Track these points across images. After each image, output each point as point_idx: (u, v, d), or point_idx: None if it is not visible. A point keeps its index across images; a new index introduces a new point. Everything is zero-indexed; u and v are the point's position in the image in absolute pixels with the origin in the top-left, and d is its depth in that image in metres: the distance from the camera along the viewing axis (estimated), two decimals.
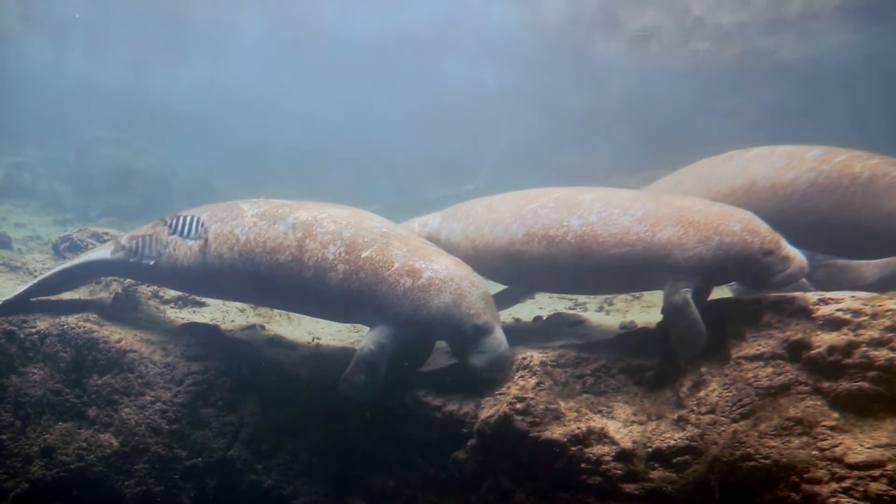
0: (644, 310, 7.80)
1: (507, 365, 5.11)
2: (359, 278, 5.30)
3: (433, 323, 5.14)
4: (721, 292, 8.38)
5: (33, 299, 6.57)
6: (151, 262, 6.05)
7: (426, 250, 5.44)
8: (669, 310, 5.03)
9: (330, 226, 5.53)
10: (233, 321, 6.98)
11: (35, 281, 6.66)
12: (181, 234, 5.72)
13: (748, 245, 5.01)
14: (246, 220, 5.76)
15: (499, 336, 5.12)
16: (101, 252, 6.57)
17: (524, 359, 5.13)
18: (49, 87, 29.24)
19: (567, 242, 5.31)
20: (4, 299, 6.45)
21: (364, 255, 5.34)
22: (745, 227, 5.07)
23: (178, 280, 6.22)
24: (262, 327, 6.77)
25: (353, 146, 27.68)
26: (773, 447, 4.16)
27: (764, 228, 5.10)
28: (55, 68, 28.97)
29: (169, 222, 5.69)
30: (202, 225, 5.72)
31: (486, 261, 5.80)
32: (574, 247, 5.28)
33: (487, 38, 21.89)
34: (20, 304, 6.45)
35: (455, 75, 26.32)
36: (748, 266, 5.04)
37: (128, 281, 7.40)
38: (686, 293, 4.98)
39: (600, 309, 7.98)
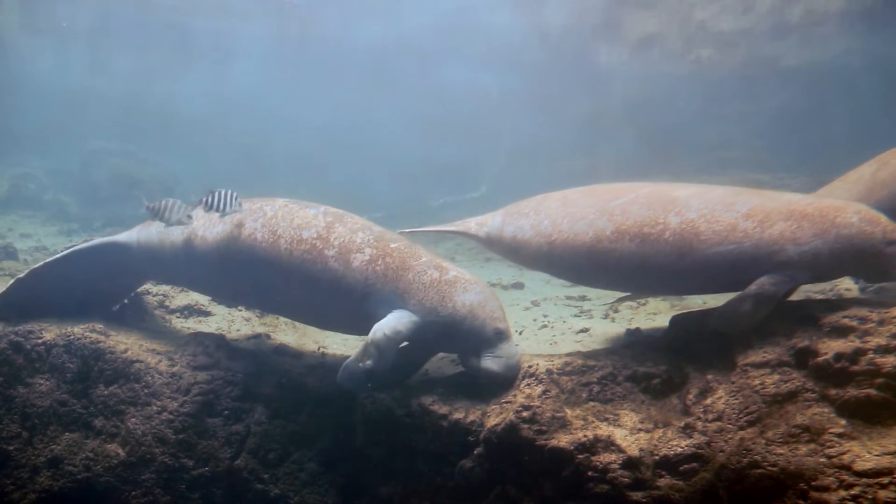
0: (650, 317, 7.80)
1: (518, 374, 5.12)
2: (385, 262, 5.31)
3: (455, 318, 5.13)
4: (725, 298, 8.38)
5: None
6: (171, 227, 5.88)
7: (446, 260, 5.57)
8: (756, 295, 4.83)
9: (360, 220, 5.66)
10: (238, 330, 6.99)
11: (49, 259, 6.51)
12: (217, 209, 5.55)
13: (869, 236, 4.83)
14: (277, 203, 5.76)
15: (513, 345, 5.19)
16: (118, 236, 6.49)
17: (530, 367, 5.13)
18: (53, 97, 29.35)
19: (664, 240, 5.08)
20: (15, 278, 6.43)
21: (393, 245, 5.43)
22: (864, 217, 4.90)
23: (193, 258, 5.93)
24: (268, 336, 6.78)
25: (356, 154, 27.72)
26: (781, 455, 4.15)
27: (884, 218, 4.94)
28: (59, 78, 29.09)
29: (204, 200, 5.55)
30: (237, 199, 5.57)
31: (564, 258, 5.58)
32: (672, 245, 5.06)
33: (491, 44, 21.94)
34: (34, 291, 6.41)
35: (458, 82, 26.37)
36: (869, 258, 4.85)
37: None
38: (784, 287, 4.84)
39: (606, 316, 7.98)
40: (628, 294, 7.17)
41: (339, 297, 5.40)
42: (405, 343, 5.37)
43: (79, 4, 22.10)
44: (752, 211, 4.99)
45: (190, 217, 5.73)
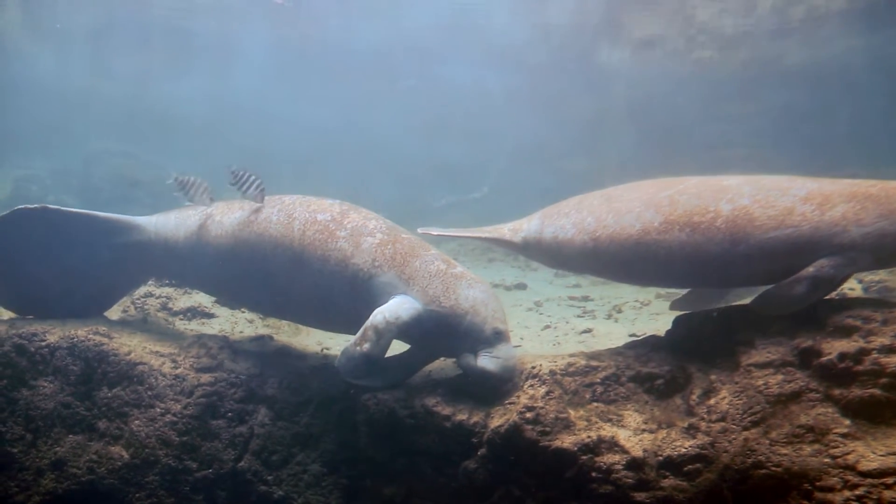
0: (652, 317, 7.80)
1: (515, 376, 5.11)
2: (394, 247, 5.39)
3: (457, 311, 5.12)
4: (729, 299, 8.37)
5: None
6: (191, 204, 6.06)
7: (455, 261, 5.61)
8: (813, 277, 4.72)
9: (374, 214, 5.80)
10: (241, 332, 6.99)
11: (72, 209, 6.47)
12: (241, 188, 5.72)
13: None
14: (296, 196, 5.92)
15: (511, 348, 5.18)
16: (137, 217, 6.50)
17: (533, 368, 5.13)
18: (55, 99, 29.40)
19: (716, 228, 4.97)
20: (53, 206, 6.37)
21: (404, 235, 5.55)
22: None
23: (204, 246, 6.00)
24: (271, 338, 6.78)
25: (356, 155, 27.74)
26: (785, 455, 4.15)
27: None
28: (61, 80, 29.13)
29: (235, 173, 5.72)
30: (262, 190, 5.76)
31: (610, 253, 5.45)
32: (724, 232, 4.94)
33: (492, 45, 21.94)
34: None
35: (460, 82, 26.38)
36: None
37: (138, 293, 7.44)
38: (844, 270, 4.74)
39: (609, 317, 7.98)
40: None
41: (346, 278, 5.41)
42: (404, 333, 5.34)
43: (80, 6, 22.13)
44: (811, 194, 4.88)
45: (211, 200, 5.92)
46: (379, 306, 5.23)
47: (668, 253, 5.14)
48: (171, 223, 6.32)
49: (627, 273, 5.76)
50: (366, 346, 5.09)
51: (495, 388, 5.10)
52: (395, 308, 5.13)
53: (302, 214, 5.64)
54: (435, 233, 6.69)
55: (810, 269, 4.74)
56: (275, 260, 5.67)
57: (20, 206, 6.32)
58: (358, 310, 5.41)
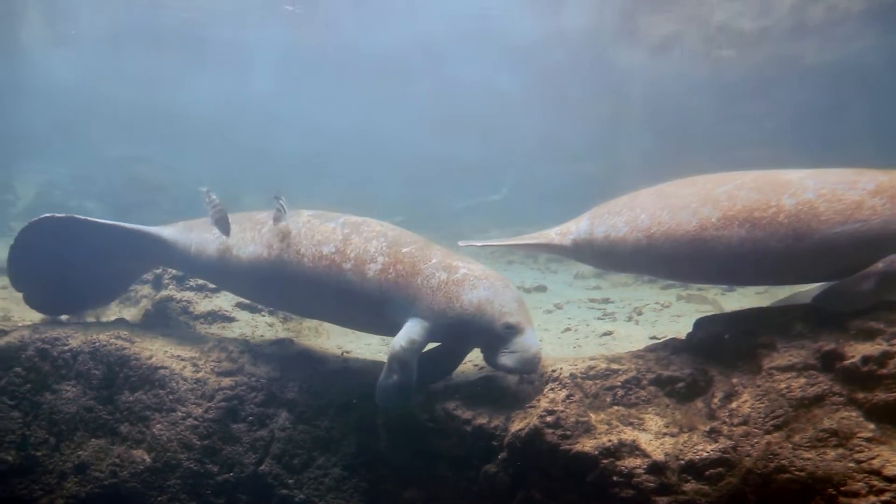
0: (673, 319, 7.76)
1: (537, 366, 5.08)
2: (396, 269, 5.40)
3: (464, 317, 5.15)
4: (749, 301, 8.32)
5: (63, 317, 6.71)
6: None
7: (465, 257, 5.58)
8: (883, 273, 4.57)
9: (376, 227, 5.77)
10: (262, 336, 7.02)
11: (98, 220, 6.61)
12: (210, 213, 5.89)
13: None
14: (301, 219, 5.95)
15: (529, 338, 5.09)
16: (163, 231, 6.67)
17: (554, 371, 5.12)
18: (76, 105, 29.67)
19: (778, 223, 4.82)
20: (64, 215, 6.49)
21: (405, 250, 5.52)
22: None
23: (226, 271, 6.23)
24: (292, 341, 6.80)
25: (374, 158, 27.80)
26: (809, 459, 4.11)
27: None
28: (81, 86, 29.40)
29: (212, 201, 5.85)
30: (223, 218, 5.88)
31: (665, 250, 5.32)
32: (787, 227, 4.79)
33: (509, 47, 21.92)
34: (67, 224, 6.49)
35: (476, 84, 26.37)
36: None
37: (158, 296, 7.49)
38: None
39: (629, 319, 7.95)
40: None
41: (360, 304, 5.62)
42: (433, 345, 5.45)
43: (99, 13, 22.35)
44: (880, 187, 4.72)
45: (228, 232, 5.97)
46: (397, 324, 5.40)
47: (726, 249, 5.01)
48: (192, 248, 6.45)
49: (683, 270, 5.66)
50: (394, 377, 5.21)
51: (521, 389, 5.15)
52: (407, 334, 5.24)
53: (308, 250, 5.72)
54: (479, 244, 6.69)
55: (879, 266, 4.60)
56: (295, 290, 5.92)
57: (47, 215, 6.44)
58: (378, 322, 5.71)
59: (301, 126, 32.53)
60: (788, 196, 4.85)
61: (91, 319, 7.06)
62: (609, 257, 5.87)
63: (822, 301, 4.84)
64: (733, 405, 4.61)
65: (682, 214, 5.21)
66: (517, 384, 5.34)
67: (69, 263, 6.70)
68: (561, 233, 6.16)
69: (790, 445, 4.21)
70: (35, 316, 7.00)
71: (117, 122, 28.29)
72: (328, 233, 5.74)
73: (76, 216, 6.50)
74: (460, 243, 6.79)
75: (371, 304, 5.55)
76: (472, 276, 5.30)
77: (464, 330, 5.23)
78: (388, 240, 5.61)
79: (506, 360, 5.04)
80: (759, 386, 4.59)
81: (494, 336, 5.10)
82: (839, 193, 4.75)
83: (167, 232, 6.67)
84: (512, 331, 5.08)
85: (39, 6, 22.12)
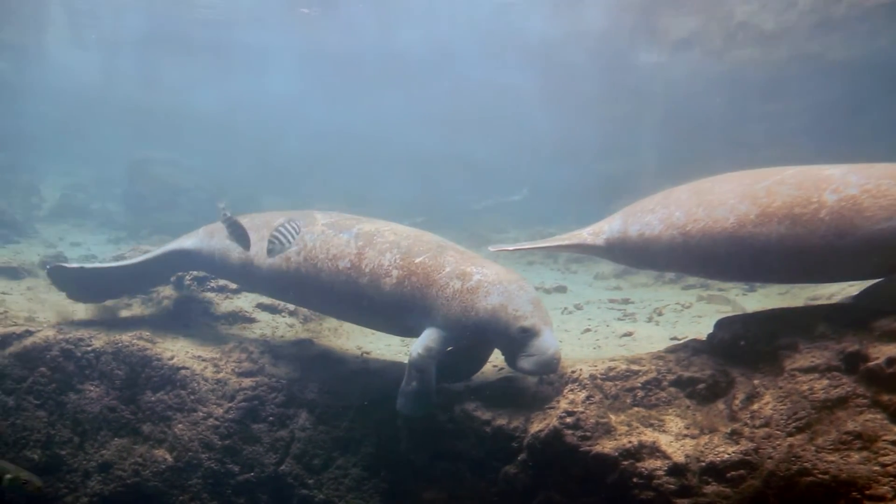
0: (694, 320, 7.71)
1: (556, 367, 5.05)
2: (411, 282, 5.41)
3: (480, 324, 5.14)
4: (771, 301, 8.25)
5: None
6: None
7: (480, 259, 5.54)
8: None
9: (390, 236, 5.75)
10: (282, 336, 7.06)
11: (121, 263, 7.16)
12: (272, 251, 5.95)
13: None
14: (316, 228, 6.00)
15: (547, 339, 5.04)
16: (185, 242, 6.92)
17: (573, 372, 5.10)
18: (99, 109, 29.99)
19: (819, 220, 4.67)
20: (90, 265, 7.05)
21: (418, 260, 5.49)
22: None
23: (249, 278, 6.44)
24: (311, 342, 6.83)
25: (393, 159, 27.86)
26: (832, 462, 4.06)
27: None
28: (105, 90, 29.69)
29: (225, 215, 5.95)
30: (241, 234, 5.95)
31: (701, 247, 5.21)
32: (829, 224, 4.64)
33: (528, 47, 21.87)
34: (96, 283, 7.14)
35: (496, 84, 26.33)
36: None
37: (180, 297, 7.54)
38: None
39: (650, 320, 7.91)
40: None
41: (378, 314, 5.74)
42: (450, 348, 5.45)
43: (123, 19, 22.58)
44: None
45: (248, 247, 6.03)
46: (416, 329, 5.46)
47: (764, 246, 4.88)
48: (216, 256, 6.62)
49: (720, 268, 5.50)
50: (413, 384, 5.25)
51: (540, 391, 5.15)
52: (424, 342, 5.27)
53: (325, 265, 5.78)
54: (511, 248, 6.67)
55: None
56: (314, 297, 6.13)
57: (58, 266, 7.17)
58: (397, 327, 5.86)
59: (318, 127, 32.66)
60: (831, 192, 4.72)
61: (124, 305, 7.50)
62: (643, 256, 5.76)
63: (865, 299, 4.76)
64: (755, 407, 4.57)
65: (719, 211, 5.10)
66: (536, 385, 5.33)
67: (104, 286, 7.31)
68: (593, 232, 6.07)
69: (813, 448, 4.16)
70: (59, 317, 7.07)
71: (139, 125, 28.56)
72: (342, 246, 5.77)
73: (85, 267, 7.12)
74: (490, 248, 6.81)
75: (389, 315, 5.65)
76: (485, 283, 5.25)
77: (481, 335, 5.24)
78: (402, 250, 5.59)
79: (524, 363, 5.03)
80: (781, 387, 4.55)
81: (511, 340, 5.08)
82: (884, 188, 4.62)
83: (189, 242, 6.86)
84: (528, 334, 5.04)
85: (64, 11, 22.39)
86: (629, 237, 5.70)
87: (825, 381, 4.40)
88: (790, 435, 4.31)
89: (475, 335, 5.25)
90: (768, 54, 19.42)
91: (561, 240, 6.27)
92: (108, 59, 26.70)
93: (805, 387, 4.43)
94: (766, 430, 4.41)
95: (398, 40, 22.95)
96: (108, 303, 7.29)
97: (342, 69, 27.15)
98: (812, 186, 4.80)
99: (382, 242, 5.69)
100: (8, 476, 5.19)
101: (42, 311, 7.36)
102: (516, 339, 5.05)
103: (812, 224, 4.71)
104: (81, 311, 7.15)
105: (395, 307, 5.50)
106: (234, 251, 6.34)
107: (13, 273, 9.29)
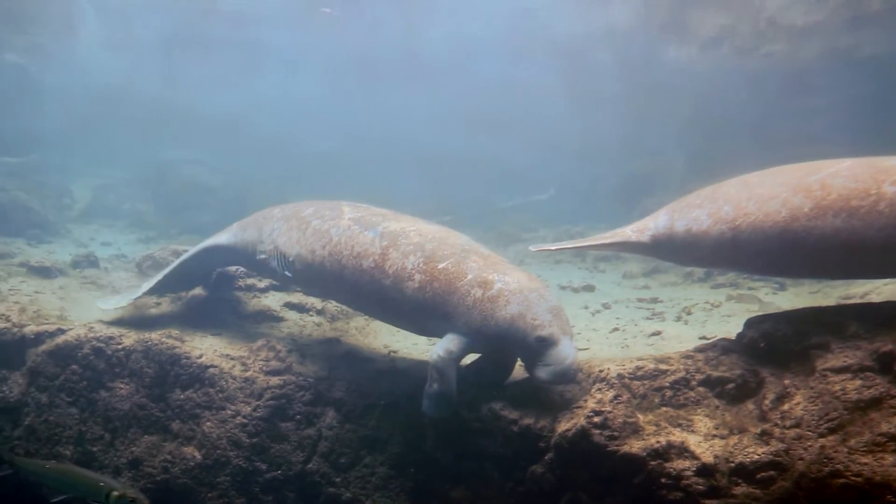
0: (723, 319, 7.63)
1: (573, 377, 5.02)
2: (433, 288, 5.38)
3: (499, 333, 5.12)
4: (802, 301, 8.14)
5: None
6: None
7: (503, 265, 5.48)
8: None
9: (414, 238, 5.69)
10: (309, 335, 7.09)
11: (162, 275, 7.31)
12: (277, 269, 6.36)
13: None
14: (342, 223, 6.02)
15: (564, 349, 4.97)
16: (220, 238, 7.08)
17: (601, 371, 5.06)
18: (128, 109, 30.32)
19: (877, 212, 4.51)
20: (136, 296, 7.18)
21: (441, 266, 5.44)
22: None
23: (276, 271, 6.50)
24: (339, 341, 6.85)
25: (421, 158, 27.86)
26: (866, 464, 3.99)
27: None
28: (134, 91, 30.02)
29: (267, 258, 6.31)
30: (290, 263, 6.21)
31: (751, 242, 5.06)
32: (889, 217, 4.48)
33: (555, 45, 21.78)
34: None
35: (522, 82, 26.25)
36: None
37: (208, 296, 7.61)
38: None
39: (678, 319, 7.84)
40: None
41: (400, 314, 5.77)
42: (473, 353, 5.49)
43: (153, 19, 22.84)
44: None
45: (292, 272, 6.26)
46: (439, 332, 5.48)
47: (818, 241, 4.71)
48: (248, 249, 6.75)
49: (771, 264, 5.36)
50: (435, 385, 5.25)
51: (564, 392, 5.11)
52: (445, 345, 5.27)
53: (349, 262, 5.78)
54: (554, 248, 6.63)
55: None
56: (339, 292, 6.22)
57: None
58: (420, 328, 5.86)
59: (342, 127, 32.76)
60: (890, 183, 4.56)
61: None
62: (690, 252, 5.64)
63: None
64: (785, 407, 4.51)
65: (771, 204, 4.93)
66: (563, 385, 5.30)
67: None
68: (638, 230, 5.93)
69: (845, 449, 4.09)
70: (91, 315, 7.18)
71: (164, 126, 28.83)
72: (367, 245, 5.76)
73: (138, 297, 7.26)
74: (532, 248, 6.74)
75: (410, 317, 5.67)
76: (506, 291, 5.19)
77: (501, 344, 5.23)
78: (426, 254, 5.54)
79: (540, 372, 5.00)
80: (812, 387, 4.48)
81: (528, 350, 5.06)
82: None
83: (224, 238, 7.00)
84: (545, 343, 4.98)
85: (93, 12, 22.69)
86: (676, 233, 5.56)
87: (858, 382, 4.33)
88: (822, 436, 4.24)
89: (495, 343, 5.24)
90: (798, 50, 19.17)
91: (603, 238, 6.16)
92: (135, 61, 27.01)
93: (837, 387, 4.36)
94: (797, 430, 4.35)
95: (421, 39, 22.97)
96: (138, 302, 7.37)
97: (364, 68, 27.22)
98: (870, 178, 4.64)
99: (407, 244, 5.65)
100: (115, 493, 5.20)
101: (74, 310, 7.47)
102: (534, 348, 5.01)
103: (870, 217, 4.55)
104: (111, 308, 7.25)
105: (416, 311, 5.51)
106: (264, 243, 6.43)
107: (46, 272, 9.42)
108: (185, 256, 7.31)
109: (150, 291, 7.28)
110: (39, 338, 6.65)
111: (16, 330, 6.73)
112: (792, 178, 4.95)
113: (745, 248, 5.09)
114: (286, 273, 6.27)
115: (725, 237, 5.17)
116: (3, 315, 6.84)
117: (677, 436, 4.61)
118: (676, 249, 5.69)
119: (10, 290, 8.25)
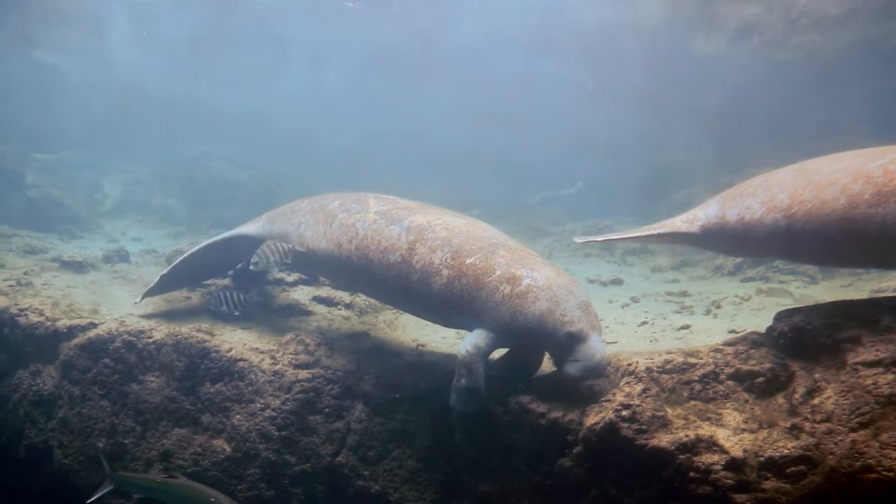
0: (753, 313, 7.56)
1: (602, 372, 5.02)
2: (461, 283, 5.38)
3: (528, 330, 5.12)
4: (834, 294, 8.05)
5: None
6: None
7: (531, 259, 5.46)
8: None
9: (441, 232, 5.69)
10: (338, 329, 7.13)
11: (180, 258, 7.50)
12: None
13: None
14: (368, 216, 6.05)
15: (593, 344, 4.97)
16: (248, 228, 7.24)
17: (630, 365, 5.05)
18: (157, 106, 30.59)
19: None
20: (160, 275, 7.38)
21: (468, 261, 5.44)
22: None
23: (305, 261, 6.59)
24: (367, 335, 6.89)
25: (449, 153, 27.84)
26: None
27: None
28: (164, 87, 30.30)
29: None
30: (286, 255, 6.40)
31: (808, 230, 4.90)
32: None
33: (583, 39, 21.66)
34: (172, 279, 7.54)
35: (550, 76, 26.14)
36: None
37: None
38: None
39: (707, 312, 7.78)
40: None
41: (428, 309, 5.80)
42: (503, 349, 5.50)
43: (182, 17, 23.05)
44: None
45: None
46: (467, 326, 5.51)
47: (880, 228, 4.54)
48: (276, 237, 6.78)
49: (828, 253, 5.16)
50: (463, 381, 5.26)
51: (592, 387, 5.10)
52: (473, 340, 5.29)
53: (376, 256, 5.82)
54: (601, 239, 6.59)
55: None
56: (366, 284, 6.28)
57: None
58: (448, 323, 5.90)
59: (368, 123, 32.82)
60: None
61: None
62: (742, 242, 5.51)
63: None
64: (816, 401, 4.46)
65: (829, 191, 4.77)
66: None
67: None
68: (688, 220, 5.84)
69: (877, 444, 4.04)
70: (122, 310, 7.27)
71: (192, 121, 29.04)
72: (393, 240, 5.77)
73: (164, 275, 7.44)
74: (577, 240, 6.81)
75: (437, 311, 5.69)
76: (535, 287, 5.18)
77: (529, 340, 5.24)
78: (453, 249, 5.53)
79: (569, 367, 5.00)
80: (843, 381, 4.43)
81: (558, 345, 5.06)
82: None
83: (252, 228, 7.14)
84: (574, 339, 4.99)
85: (124, 10, 22.94)
86: (728, 222, 5.46)
87: (890, 376, 4.28)
88: (853, 430, 4.20)
89: (524, 339, 5.25)
90: (830, 40, 18.90)
91: (651, 229, 6.07)
92: (161, 58, 27.29)
93: (869, 381, 4.31)
94: (828, 425, 4.31)
95: (446, 34, 22.95)
96: (168, 296, 7.46)
97: (388, 64, 27.25)
98: None
99: (434, 238, 5.65)
100: None
101: (106, 304, 7.58)
102: (563, 344, 5.01)
103: None
104: (143, 302, 7.34)
105: (444, 306, 5.52)
106: (292, 236, 6.53)
107: (78, 267, 9.57)
108: (209, 241, 7.43)
109: (170, 273, 7.42)
110: (72, 331, 6.76)
111: (49, 324, 6.85)
112: (852, 165, 4.80)
113: (801, 237, 4.96)
114: (286, 261, 6.40)
115: (780, 226, 5.05)
116: (37, 309, 6.97)
117: (706, 429, 4.59)
118: (727, 239, 5.58)
119: (43, 284, 8.39)
